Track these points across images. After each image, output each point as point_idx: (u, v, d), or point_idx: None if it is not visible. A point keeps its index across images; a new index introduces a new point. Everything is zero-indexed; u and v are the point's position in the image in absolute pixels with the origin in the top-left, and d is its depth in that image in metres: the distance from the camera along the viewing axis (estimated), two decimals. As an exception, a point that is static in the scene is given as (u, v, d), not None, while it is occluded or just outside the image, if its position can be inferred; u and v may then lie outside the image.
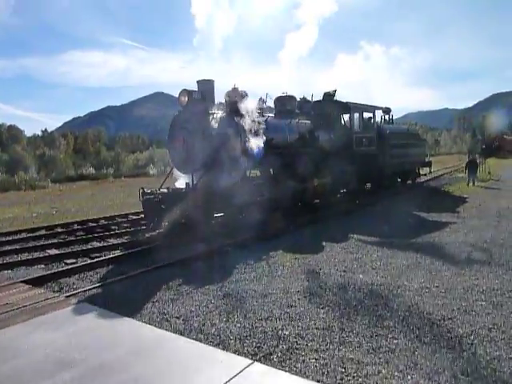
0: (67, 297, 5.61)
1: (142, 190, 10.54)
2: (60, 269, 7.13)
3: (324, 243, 8.14)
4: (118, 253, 8.38)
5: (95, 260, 7.64)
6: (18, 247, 9.42)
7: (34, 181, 34.89)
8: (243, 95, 11.55)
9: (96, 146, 66.71)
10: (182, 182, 11.05)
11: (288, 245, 8.15)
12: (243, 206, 10.49)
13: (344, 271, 6.24)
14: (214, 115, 10.52)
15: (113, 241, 9.75)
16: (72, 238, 10.25)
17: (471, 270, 6.20)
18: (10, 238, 10.43)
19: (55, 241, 10.10)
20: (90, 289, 5.86)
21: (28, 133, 68.50)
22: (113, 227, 11.55)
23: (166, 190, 10.27)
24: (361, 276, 5.96)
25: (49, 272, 6.90)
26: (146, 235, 10.20)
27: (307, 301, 5.02)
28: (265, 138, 11.26)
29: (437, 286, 5.45)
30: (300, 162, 12.51)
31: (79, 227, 11.88)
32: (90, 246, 9.23)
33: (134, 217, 13.17)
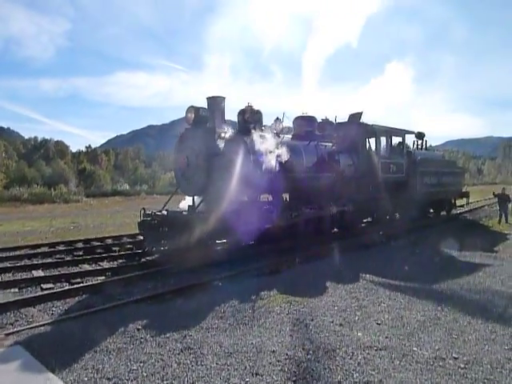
0: (7, 335, 4.73)
1: (143, 211, 9.76)
2: (22, 297, 6.31)
3: (328, 283, 6.92)
4: (100, 280, 7.51)
5: (67, 288, 6.79)
6: (8, 265, 8.82)
7: (69, 194, 35.32)
8: (257, 114, 10.68)
9: (135, 163, 67.95)
10: (186, 202, 10.22)
11: (287, 283, 6.99)
12: (248, 233, 9.45)
13: (341, 325, 5.01)
14: (222, 134, 9.66)
15: (105, 264, 8.93)
16: (69, 258, 9.55)
17: (505, 333, 4.82)
18: (5, 255, 9.85)
19: (48, 260, 9.42)
20: (35, 326, 4.96)
21: (73, 148, 70.79)
22: (114, 248, 10.76)
23: (164, 213, 9.40)
24: (359, 334, 4.72)
25: (8, 300, 6.08)
26: (143, 259, 9.34)
27: (279, 368, 3.86)
28: (278, 160, 10.26)
29: (455, 358, 4.14)
30: (317, 187, 11.39)
31: (81, 246, 11.21)
32: (77, 269, 8.43)
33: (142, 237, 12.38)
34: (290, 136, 11.61)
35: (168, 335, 4.64)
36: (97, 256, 9.62)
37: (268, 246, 9.91)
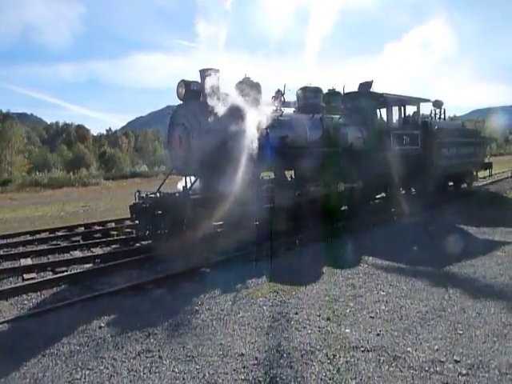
0: (-40, 335, 4.32)
1: (137, 194, 9.24)
2: (-6, 290, 5.92)
3: (325, 268, 6.26)
4: (85, 268, 7.09)
5: (45, 278, 6.37)
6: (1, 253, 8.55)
7: (88, 178, 35.46)
8: (255, 86, 9.88)
9: (154, 145, 67.97)
10: (183, 184, 9.65)
11: (281, 268, 6.39)
12: (247, 215, 8.83)
13: (328, 319, 4.37)
14: (216, 109, 8.94)
15: (97, 250, 8.53)
16: (66, 244, 9.21)
17: (521, 328, 4.09)
18: (4, 242, 9.59)
19: (43, 247, 9.09)
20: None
21: (94, 132, 71.27)
22: (113, 232, 10.36)
23: (157, 195, 8.85)
24: (347, 331, 4.08)
25: (-21, 294, 5.69)
26: (137, 244, 8.89)
27: (242, 377, 3.27)
28: (278, 134, 9.52)
29: (456, 361, 3.45)
30: (322, 163, 10.59)
31: (81, 231, 10.89)
32: (67, 257, 8.04)
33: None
34: (292, 109, 10.80)
35: (130, 334, 4.12)
36: (91, 242, 9.23)
37: (270, 227, 9.29)
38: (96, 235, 10.18)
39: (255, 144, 8.94)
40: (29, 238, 10.23)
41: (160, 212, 8.42)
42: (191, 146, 8.71)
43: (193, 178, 9.32)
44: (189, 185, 9.31)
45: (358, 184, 11.42)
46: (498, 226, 9.25)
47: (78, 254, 8.25)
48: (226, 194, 8.57)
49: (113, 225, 11.61)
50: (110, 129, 69.32)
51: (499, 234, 8.49)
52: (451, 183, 15.78)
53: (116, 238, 9.69)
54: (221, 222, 9.07)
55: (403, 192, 14.00)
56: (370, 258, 6.78)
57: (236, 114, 8.95)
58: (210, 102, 9.00)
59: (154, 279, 6.03)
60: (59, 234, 10.62)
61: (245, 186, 9.31)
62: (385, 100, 11.81)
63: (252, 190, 9.16)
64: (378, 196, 13.32)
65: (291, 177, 11.26)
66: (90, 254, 8.24)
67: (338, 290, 5.27)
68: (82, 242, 9.34)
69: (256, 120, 9.10)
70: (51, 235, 10.46)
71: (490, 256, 6.82)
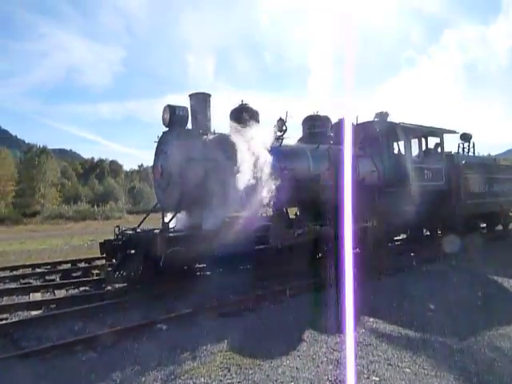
0: None
1: (116, 229, 8.12)
2: None
3: (309, 333, 4.77)
4: (32, 314, 5.91)
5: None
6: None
7: (111, 211, 35.22)
8: (252, 114, 8.79)
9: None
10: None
11: (252, 329, 4.95)
12: (233, 257, 7.50)
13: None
14: (204, 136, 7.84)
15: (61, 293, 7.35)
16: (38, 283, 8.14)
17: None
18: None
19: (12, 286, 8.04)
20: None
21: (127, 167, 72.57)
22: (94, 271, 9.22)
23: (132, 232, 7.68)
24: None
25: None
26: (108, 287, 7.66)
27: None
28: (276, 166, 8.27)
29: None
30: (328, 198, 9.20)
31: (64, 268, 9.85)
32: (25, 299, 6.91)
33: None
34: (294, 139, 9.60)
35: None
36: (64, 282, 8.11)
37: (261, 271, 7.89)
38: (75, 274, 9.08)
39: (246, 176, 7.74)
40: (6, 274, 9.24)
41: (133, 251, 7.24)
42: (172, 175, 7.59)
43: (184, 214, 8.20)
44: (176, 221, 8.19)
45: (371, 223, 9.89)
46: (541, 279, 7.48)
47: (37, 296, 7.12)
48: (210, 233, 7.32)
49: (98, 262, 10.49)
50: (141, 164, 70.35)
51: (542, 290, 6.71)
52: (483, 224, 13.86)
53: (94, 278, 8.53)
54: (203, 265, 7.73)
55: (427, 234, 12.26)
56: (371, 319, 5.23)
57: (226, 142, 7.83)
58: (197, 128, 7.97)
59: (90, 337, 4.72)
60: (39, 270, 9.59)
61: (232, 223, 8.09)
62: (402, 130, 10.40)
63: (237, 227, 7.89)
64: (398, 237, 11.64)
65: (295, 214, 9.92)
66: (51, 297, 7.08)
67: (313, 371, 3.78)
68: (56, 282, 8.25)
69: (250, 149, 7.94)
70: (29, 271, 9.47)
71: (532, 322, 5.12)
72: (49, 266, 10.15)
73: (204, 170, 7.51)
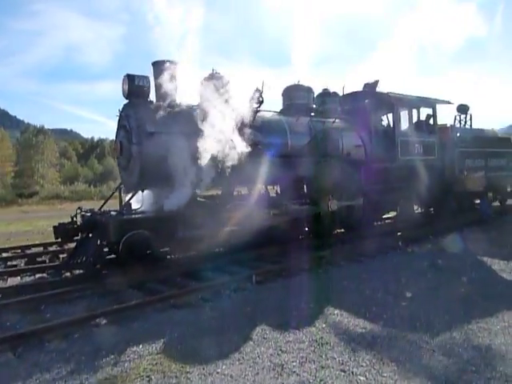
0: None
1: (78, 211, 7.47)
2: None
3: (260, 330, 4.14)
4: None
5: None
6: None
7: (108, 191, 34.63)
8: (225, 84, 7.96)
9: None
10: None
11: (200, 323, 4.34)
12: (202, 240, 6.87)
13: None
14: (168, 109, 7.06)
15: (15, 280, 6.79)
16: None
17: None
18: None
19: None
20: None
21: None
22: (62, 255, 8.64)
23: (88, 214, 7.04)
24: None
25: None
26: (67, 274, 7.08)
27: None
28: (249, 140, 7.53)
29: None
30: (309, 175, 8.48)
31: (32, 251, 9.28)
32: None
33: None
34: (274, 111, 8.80)
35: None
36: (28, 267, 7.55)
37: (235, 256, 7.28)
38: (41, 258, 8.51)
39: (212, 151, 7.03)
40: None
41: (85, 235, 6.63)
42: (132, 152, 6.89)
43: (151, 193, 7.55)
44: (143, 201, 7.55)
45: (357, 201, 9.20)
46: (537, 260, 6.81)
47: (-10, 284, 6.55)
48: (172, 213, 6.68)
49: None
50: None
51: (536, 273, 6.05)
52: (479, 201, 13.10)
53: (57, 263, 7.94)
54: (166, 249, 7.11)
55: (419, 211, 11.56)
56: (336, 311, 4.59)
57: (190, 114, 7.08)
58: (160, 99, 7.20)
59: (12, 336, 4.13)
60: (4, 255, 9.03)
61: (199, 203, 7.43)
62: (390, 100, 9.55)
63: (209, 208, 7.25)
64: (385, 216, 10.95)
65: (276, 193, 9.23)
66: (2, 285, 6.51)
67: (249, 380, 3.15)
68: (20, 267, 7.69)
69: (217, 121, 7.19)
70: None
71: (520, 313, 4.47)
72: (19, 250, 9.59)
73: (166, 145, 6.79)
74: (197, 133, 6.87)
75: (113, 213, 6.86)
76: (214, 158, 7.03)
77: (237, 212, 7.46)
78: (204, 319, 4.47)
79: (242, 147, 7.42)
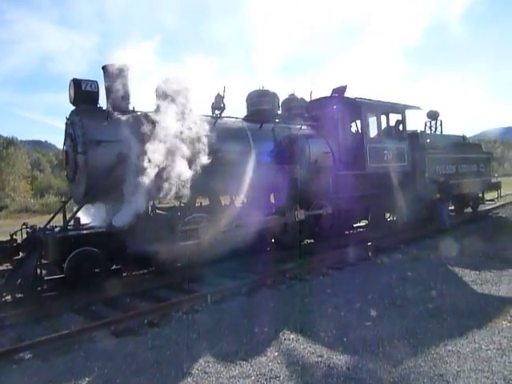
0: None
1: (24, 227, 6.79)
2: None
3: (203, 361, 3.61)
4: None
5: None
6: None
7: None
8: (183, 89, 7.47)
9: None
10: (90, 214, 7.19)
11: (134, 355, 3.78)
12: (154, 256, 6.31)
13: None
14: (115, 115, 6.51)
15: None
16: None
17: None
18: None
19: None
20: None
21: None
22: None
23: (29, 230, 6.39)
24: None
25: None
26: (8, 297, 6.38)
27: None
28: (208, 149, 7.04)
29: None
30: (273, 184, 8.04)
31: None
32: None
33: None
34: (236, 118, 8.35)
35: None
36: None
37: (190, 272, 6.72)
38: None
39: (169, 160, 6.51)
40: None
41: (25, 254, 5.97)
42: (77, 162, 6.30)
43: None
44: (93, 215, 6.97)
45: (325, 210, 8.81)
46: (507, 268, 6.52)
47: None
48: (122, 229, 6.10)
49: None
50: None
51: (507, 284, 5.71)
52: (451, 207, 12.94)
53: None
54: (117, 267, 6.51)
55: (391, 219, 11.26)
56: (293, 335, 4.10)
57: (140, 122, 6.53)
58: (111, 105, 6.64)
59: None
60: None
61: (154, 217, 6.90)
62: (358, 106, 9.25)
63: (165, 222, 6.71)
64: (357, 225, 10.60)
65: (243, 203, 8.74)
66: None
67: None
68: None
69: (171, 130, 6.68)
70: None
71: (489, 330, 4.08)
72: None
73: (115, 154, 6.24)
74: (149, 141, 6.36)
75: (56, 229, 6.23)
76: (169, 168, 6.51)
77: (195, 225, 6.96)
78: (143, 350, 3.91)
79: (201, 155, 6.96)
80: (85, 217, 6.97)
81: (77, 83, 6.47)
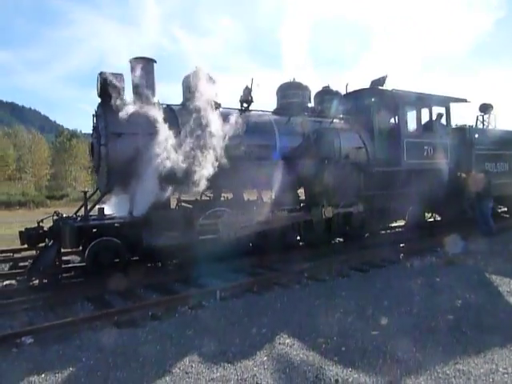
0: None
1: (55, 216, 7.06)
2: None
3: (186, 361, 3.48)
4: None
5: None
6: None
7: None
8: (208, 80, 7.38)
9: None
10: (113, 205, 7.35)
11: (125, 348, 3.74)
12: (171, 249, 6.31)
13: None
14: (135, 108, 6.51)
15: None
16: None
17: None
18: None
19: None
20: None
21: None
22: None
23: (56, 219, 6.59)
24: None
25: None
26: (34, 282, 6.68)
27: None
28: (234, 143, 6.94)
29: None
30: (301, 179, 7.74)
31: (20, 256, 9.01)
32: None
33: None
34: (264, 111, 8.12)
35: None
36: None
37: (206, 268, 6.64)
38: (24, 263, 8.20)
39: (189, 154, 6.47)
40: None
41: (51, 242, 6.19)
42: (100, 154, 6.43)
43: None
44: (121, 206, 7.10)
45: (356, 208, 8.35)
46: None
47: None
48: (137, 220, 6.15)
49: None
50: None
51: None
52: (504, 208, 11.83)
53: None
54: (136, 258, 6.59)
55: (432, 219, 10.52)
56: (289, 340, 3.86)
57: (161, 115, 6.50)
58: (137, 98, 6.67)
59: None
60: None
61: (173, 209, 6.89)
62: (397, 98, 8.64)
63: (184, 214, 6.68)
64: (394, 224, 9.99)
65: (270, 198, 8.53)
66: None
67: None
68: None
69: (193, 122, 6.63)
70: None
71: (514, 351, 3.58)
72: (11, 254, 9.35)
73: (135, 146, 6.28)
74: (171, 134, 6.34)
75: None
76: (191, 162, 6.46)
77: (216, 219, 6.86)
78: (135, 343, 3.86)
79: (225, 150, 6.85)
80: (112, 207, 7.15)
81: (103, 76, 6.57)
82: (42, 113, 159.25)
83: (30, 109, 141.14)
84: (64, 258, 7.54)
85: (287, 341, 3.83)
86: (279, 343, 3.79)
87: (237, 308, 4.85)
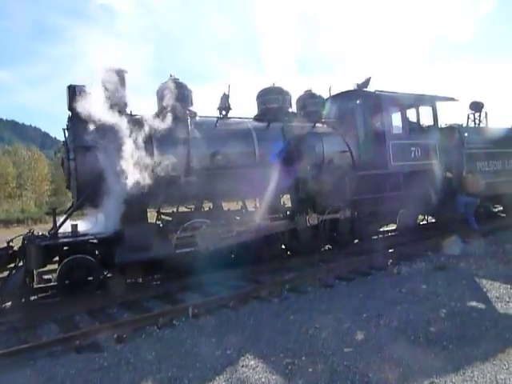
0: None
1: (29, 233, 6.80)
2: None
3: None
4: None
5: None
6: None
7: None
8: (179, 87, 7.16)
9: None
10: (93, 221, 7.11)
11: (73, 378, 3.46)
12: (146, 264, 6.06)
13: None
14: (102, 119, 6.28)
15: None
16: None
17: None
18: None
19: None
20: None
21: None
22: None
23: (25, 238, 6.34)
24: None
25: None
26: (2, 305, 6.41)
27: None
28: (209, 151, 6.71)
29: None
30: (281, 187, 7.46)
31: None
32: None
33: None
34: (243, 118, 7.90)
35: None
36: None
37: (183, 282, 6.36)
38: None
39: (166, 163, 6.24)
40: None
41: (19, 262, 5.94)
42: (70, 169, 6.20)
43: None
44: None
45: (343, 214, 8.07)
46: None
47: None
48: (108, 236, 5.90)
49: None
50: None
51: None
52: (499, 208, 11.49)
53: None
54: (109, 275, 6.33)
55: (425, 222, 10.21)
56: (253, 361, 3.57)
57: (136, 125, 6.29)
58: (100, 110, 6.46)
59: None
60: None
61: (148, 223, 6.64)
62: (381, 100, 8.38)
63: (158, 228, 6.43)
64: (383, 229, 9.68)
65: (255, 207, 8.27)
66: None
67: None
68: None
69: (162, 132, 6.42)
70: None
71: (496, 364, 3.28)
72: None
73: (103, 160, 6.05)
74: (140, 145, 6.12)
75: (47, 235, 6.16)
76: (161, 173, 6.22)
77: (194, 231, 6.60)
78: (87, 371, 3.59)
79: (202, 159, 6.63)
80: (88, 223, 6.91)
81: (71, 89, 6.37)
82: (43, 129, 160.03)
83: (31, 126, 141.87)
84: (45, 276, 7.39)
85: (251, 363, 3.54)
86: (242, 366, 3.50)
87: (207, 326, 4.57)
